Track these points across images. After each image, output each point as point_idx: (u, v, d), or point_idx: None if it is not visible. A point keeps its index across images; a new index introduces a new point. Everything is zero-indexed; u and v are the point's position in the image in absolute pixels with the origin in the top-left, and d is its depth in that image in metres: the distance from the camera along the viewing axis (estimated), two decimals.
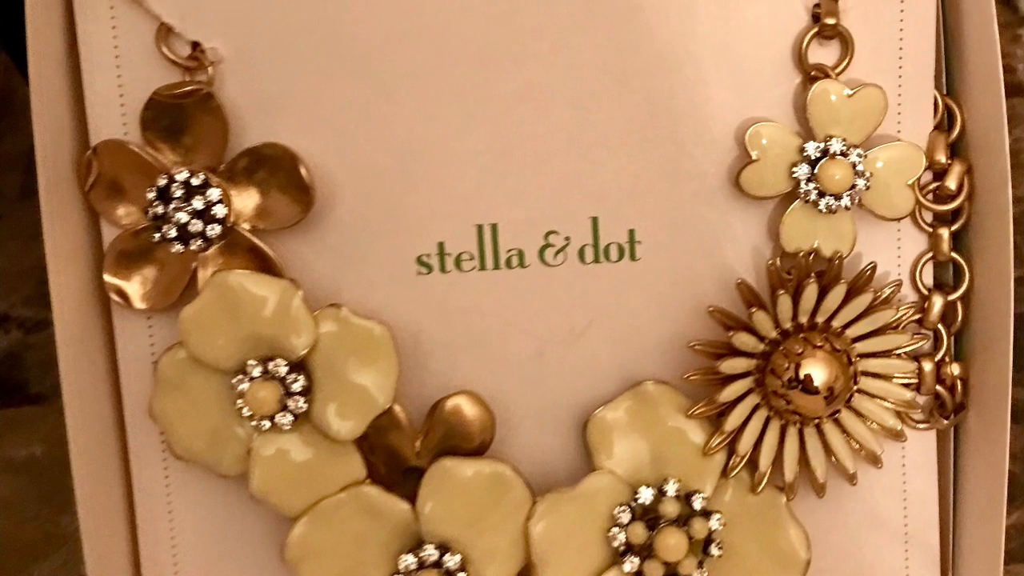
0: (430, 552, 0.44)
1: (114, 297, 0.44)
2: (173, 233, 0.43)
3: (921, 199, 0.45)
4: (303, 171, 0.43)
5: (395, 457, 0.45)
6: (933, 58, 0.45)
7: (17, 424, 0.48)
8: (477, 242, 0.45)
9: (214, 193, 0.43)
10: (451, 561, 0.44)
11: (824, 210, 0.44)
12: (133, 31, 0.44)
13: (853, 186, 0.44)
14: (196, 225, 0.43)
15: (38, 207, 0.43)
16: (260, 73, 0.44)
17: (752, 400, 0.44)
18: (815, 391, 0.43)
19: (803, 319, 0.44)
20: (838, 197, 0.44)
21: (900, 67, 0.45)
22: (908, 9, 0.44)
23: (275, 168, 0.44)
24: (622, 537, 0.44)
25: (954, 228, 0.46)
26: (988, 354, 0.45)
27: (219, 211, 0.43)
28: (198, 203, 0.43)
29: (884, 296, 0.44)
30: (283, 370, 0.43)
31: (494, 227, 0.45)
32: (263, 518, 0.46)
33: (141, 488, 0.46)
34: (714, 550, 0.44)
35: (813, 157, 0.44)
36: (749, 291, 0.44)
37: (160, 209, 0.43)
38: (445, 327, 0.45)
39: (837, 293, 0.44)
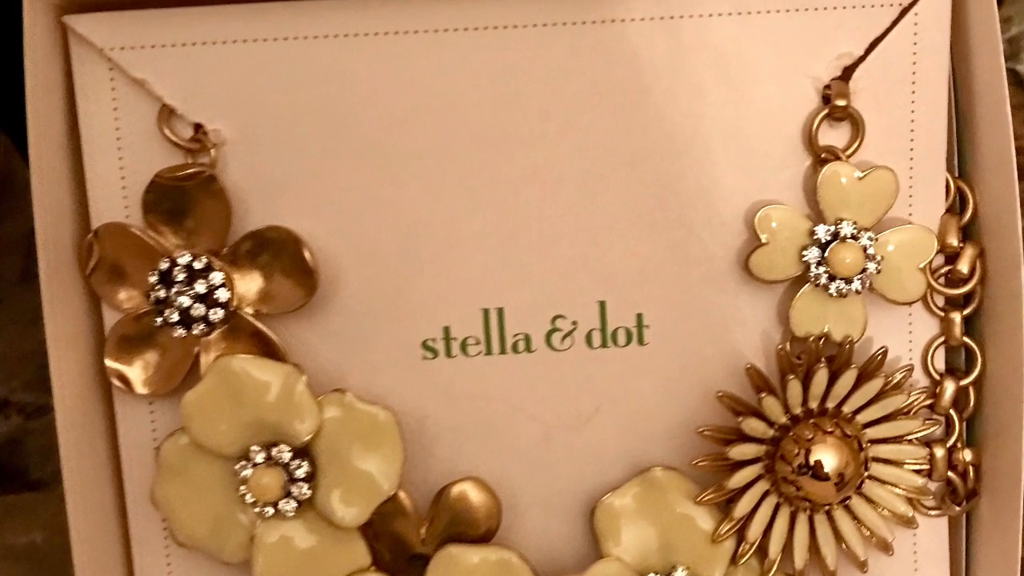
0: None
1: (115, 382, 0.44)
2: (175, 317, 0.43)
3: (933, 283, 0.45)
4: (307, 254, 0.43)
5: (400, 544, 0.44)
6: (945, 140, 0.45)
7: (17, 511, 0.48)
8: (483, 326, 0.44)
9: (217, 277, 0.43)
10: None
11: (834, 294, 0.43)
12: (135, 113, 0.43)
13: (864, 270, 0.43)
14: (199, 309, 0.43)
15: (39, 291, 0.43)
16: (263, 155, 0.44)
17: (762, 486, 0.44)
18: (825, 477, 0.43)
19: (813, 404, 0.43)
20: (849, 281, 0.43)
21: (911, 149, 0.44)
22: (919, 91, 0.44)
23: (279, 251, 0.43)
24: None
25: (966, 312, 0.46)
26: (1001, 440, 0.45)
27: (222, 295, 0.43)
28: (200, 287, 0.43)
29: (895, 381, 0.44)
30: (287, 456, 0.43)
31: (500, 311, 0.44)
32: None
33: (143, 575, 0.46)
34: None
35: (823, 240, 0.43)
36: (758, 376, 0.44)
37: (162, 293, 0.43)
38: (451, 412, 0.45)
39: (848, 378, 0.43)
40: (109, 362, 0.44)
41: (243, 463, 0.43)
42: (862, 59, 0.44)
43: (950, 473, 0.46)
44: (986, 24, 0.43)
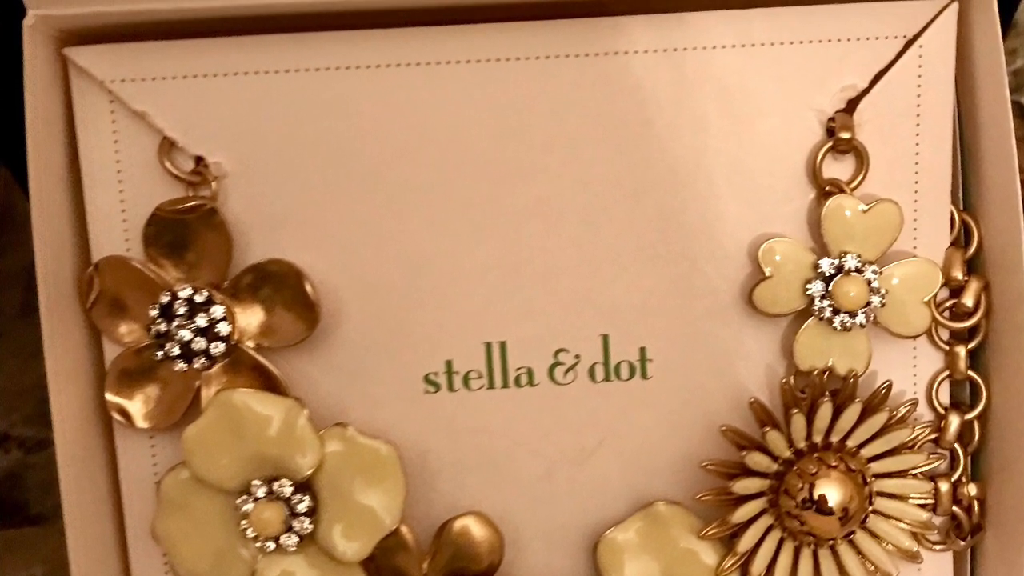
0: None
1: (116, 416, 0.44)
2: (176, 351, 0.43)
3: (937, 316, 0.44)
4: (308, 288, 0.43)
5: None
6: (949, 173, 0.44)
7: (17, 545, 0.47)
8: (486, 360, 0.44)
9: (218, 310, 0.43)
10: None
11: (839, 328, 0.43)
12: (135, 145, 0.43)
13: (868, 303, 0.43)
14: (199, 343, 0.42)
15: (39, 324, 0.42)
16: (264, 188, 0.43)
17: (765, 521, 0.44)
18: (829, 512, 0.43)
19: (817, 438, 0.43)
20: (853, 314, 0.43)
21: (916, 182, 0.44)
22: (924, 124, 0.44)
23: (280, 285, 0.43)
24: None
25: (971, 346, 0.45)
26: (1006, 474, 0.45)
27: (223, 329, 0.43)
28: (201, 320, 0.42)
29: (900, 415, 0.44)
30: (288, 490, 0.42)
31: (503, 345, 0.44)
32: None
33: None
34: None
35: (827, 274, 0.43)
36: (762, 410, 0.43)
37: (163, 327, 0.43)
38: (453, 447, 0.44)
39: (852, 412, 0.43)
40: (110, 396, 0.44)
41: (244, 497, 0.42)
42: (866, 91, 0.44)
43: (955, 507, 0.46)
44: (991, 56, 0.43)
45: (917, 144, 0.44)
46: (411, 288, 0.44)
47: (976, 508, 0.46)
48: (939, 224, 0.45)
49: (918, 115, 0.44)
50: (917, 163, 0.44)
